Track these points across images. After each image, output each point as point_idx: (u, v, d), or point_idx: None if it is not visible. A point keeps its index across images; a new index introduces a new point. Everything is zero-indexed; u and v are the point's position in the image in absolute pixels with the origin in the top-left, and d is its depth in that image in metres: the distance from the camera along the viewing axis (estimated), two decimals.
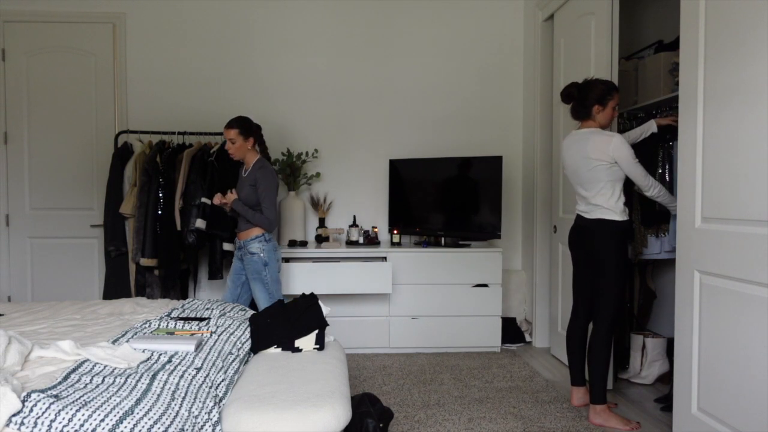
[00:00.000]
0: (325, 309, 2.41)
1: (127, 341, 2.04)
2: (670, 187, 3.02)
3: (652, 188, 2.67)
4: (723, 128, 2.11)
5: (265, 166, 3.22)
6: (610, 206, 2.68)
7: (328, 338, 2.42)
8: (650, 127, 2.96)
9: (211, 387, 1.77)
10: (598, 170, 2.66)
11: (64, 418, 1.42)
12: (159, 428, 1.47)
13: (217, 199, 3.24)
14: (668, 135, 3.04)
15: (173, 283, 3.77)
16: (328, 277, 3.63)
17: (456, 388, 3.20)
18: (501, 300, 3.91)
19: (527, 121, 4.30)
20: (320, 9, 4.30)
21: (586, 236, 2.77)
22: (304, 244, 4.01)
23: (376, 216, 4.38)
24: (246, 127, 3.19)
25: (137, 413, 1.48)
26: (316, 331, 2.30)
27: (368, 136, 4.38)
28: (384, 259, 3.86)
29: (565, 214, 3.62)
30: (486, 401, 2.99)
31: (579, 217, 2.83)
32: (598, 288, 2.73)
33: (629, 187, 3.23)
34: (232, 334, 2.25)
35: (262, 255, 3.16)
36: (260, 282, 3.15)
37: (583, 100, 2.73)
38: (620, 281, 2.70)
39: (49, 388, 1.56)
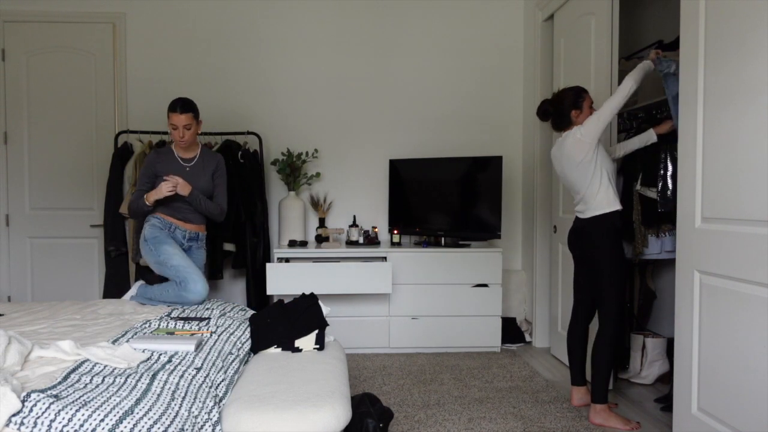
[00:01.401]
0: (325, 309, 2.41)
1: (127, 341, 2.04)
2: (674, 187, 3.02)
3: (610, 108, 2.63)
4: (723, 128, 2.11)
5: (216, 154, 3.17)
6: (600, 200, 2.70)
7: (328, 338, 2.42)
8: (650, 137, 2.97)
9: (211, 387, 1.77)
10: (582, 166, 2.69)
11: (63, 418, 1.42)
12: (159, 428, 1.47)
13: (170, 187, 2.88)
14: (671, 137, 3.04)
15: None
16: (328, 277, 3.63)
17: (456, 388, 3.20)
18: (501, 300, 3.91)
19: (527, 121, 4.30)
20: (320, 9, 4.30)
21: (583, 236, 2.79)
22: (304, 244, 4.01)
23: (376, 216, 4.38)
24: (197, 109, 3.04)
25: (137, 413, 1.48)
26: (316, 331, 2.30)
27: (368, 136, 4.38)
28: (384, 259, 3.86)
29: (565, 214, 3.62)
30: (486, 401, 2.99)
31: (576, 219, 2.85)
32: (599, 288, 2.73)
33: (629, 187, 3.23)
34: (232, 334, 2.25)
35: (204, 253, 3.22)
36: None
37: (560, 112, 2.80)
38: (619, 279, 2.71)
39: (49, 388, 1.56)
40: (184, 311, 2.64)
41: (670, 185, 3.04)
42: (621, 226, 2.75)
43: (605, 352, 2.70)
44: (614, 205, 2.70)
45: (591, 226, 2.74)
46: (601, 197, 2.69)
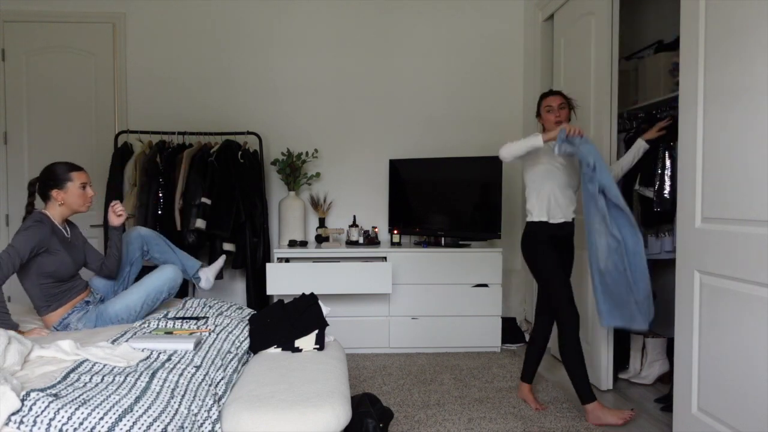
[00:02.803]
0: (325, 309, 2.41)
1: (126, 341, 2.04)
2: (672, 187, 3.02)
3: (505, 151, 2.71)
4: (723, 128, 2.11)
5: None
6: (531, 208, 2.83)
7: (328, 338, 2.42)
8: (641, 147, 2.97)
9: (210, 385, 1.77)
10: (525, 176, 2.87)
11: (63, 417, 1.42)
12: (158, 426, 1.47)
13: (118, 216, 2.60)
14: (669, 136, 3.04)
15: None
16: (328, 277, 3.63)
17: (456, 388, 3.19)
18: (501, 300, 3.90)
19: (527, 121, 4.30)
20: (320, 9, 4.31)
21: (522, 242, 2.91)
22: (304, 244, 4.01)
23: (376, 216, 4.38)
24: None
25: (136, 411, 1.48)
26: (316, 331, 2.30)
27: (368, 136, 4.38)
28: (384, 259, 3.86)
29: None
30: (486, 401, 2.99)
31: None
32: (544, 292, 2.87)
33: (629, 187, 3.23)
34: (230, 333, 2.25)
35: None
36: None
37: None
38: (555, 282, 2.75)
39: (49, 387, 1.57)
40: (182, 311, 2.63)
41: (666, 184, 3.03)
42: (544, 237, 2.79)
43: (571, 353, 2.74)
44: (536, 216, 2.81)
45: (525, 231, 2.88)
46: (532, 205, 2.83)
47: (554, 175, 2.77)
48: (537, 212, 2.81)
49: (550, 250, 2.78)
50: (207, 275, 3.02)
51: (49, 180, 2.49)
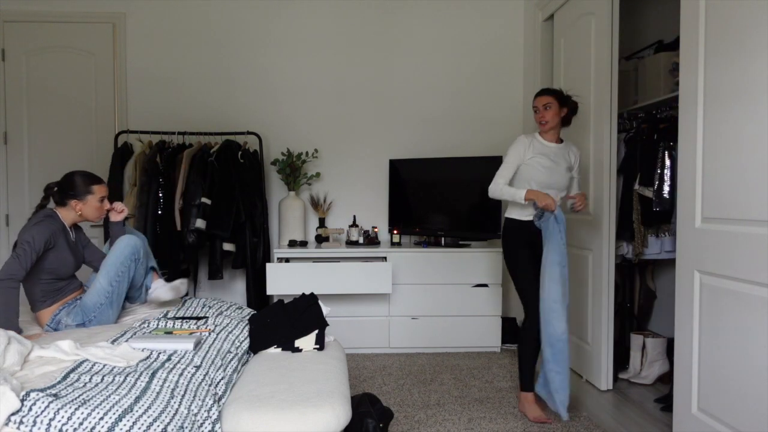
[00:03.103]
0: (325, 309, 2.41)
1: (126, 341, 2.04)
2: (672, 186, 3.02)
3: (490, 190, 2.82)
4: (723, 128, 2.10)
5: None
6: (509, 204, 2.91)
7: (328, 338, 2.42)
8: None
9: (210, 385, 1.77)
10: None
11: (63, 417, 1.42)
12: (158, 426, 1.47)
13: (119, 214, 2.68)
14: (668, 135, 3.04)
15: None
16: (328, 277, 3.63)
17: (456, 388, 3.19)
18: (501, 300, 3.91)
19: (527, 121, 4.31)
20: (320, 9, 4.31)
21: (501, 237, 2.99)
22: (304, 244, 4.01)
23: (376, 216, 4.38)
24: None
25: (136, 411, 1.48)
26: (316, 331, 2.30)
27: (368, 136, 4.38)
28: (384, 259, 3.86)
29: (564, 214, 3.60)
30: (486, 401, 2.99)
31: None
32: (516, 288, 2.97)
33: (629, 187, 3.23)
34: (230, 333, 2.25)
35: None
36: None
37: None
38: (522, 278, 2.82)
39: (48, 387, 1.56)
40: (182, 311, 2.63)
41: (666, 184, 3.04)
42: (517, 233, 2.85)
43: (526, 345, 2.86)
44: (509, 212, 2.92)
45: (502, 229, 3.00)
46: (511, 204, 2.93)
47: (535, 174, 2.78)
48: (510, 208, 2.91)
49: (522, 246, 2.82)
50: (158, 290, 2.68)
51: (69, 190, 2.54)
